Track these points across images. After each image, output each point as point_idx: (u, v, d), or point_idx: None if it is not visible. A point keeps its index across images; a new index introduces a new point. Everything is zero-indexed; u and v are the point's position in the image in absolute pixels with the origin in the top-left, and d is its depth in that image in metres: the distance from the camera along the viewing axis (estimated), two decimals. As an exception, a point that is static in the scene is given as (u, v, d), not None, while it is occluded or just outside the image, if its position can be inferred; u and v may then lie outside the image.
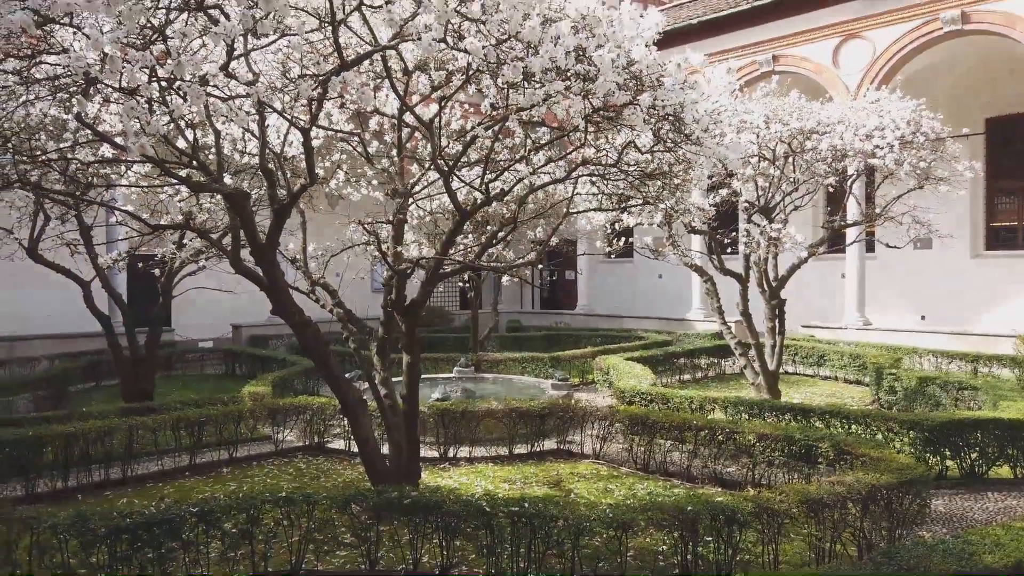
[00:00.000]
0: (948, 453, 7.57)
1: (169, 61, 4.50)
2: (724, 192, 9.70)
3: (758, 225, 9.42)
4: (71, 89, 4.97)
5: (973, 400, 9.76)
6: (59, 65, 4.70)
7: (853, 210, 11.69)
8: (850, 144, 8.99)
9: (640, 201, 7.37)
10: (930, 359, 13.46)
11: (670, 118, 5.06)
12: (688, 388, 12.52)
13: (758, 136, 9.00)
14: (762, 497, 5.07)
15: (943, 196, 10.31)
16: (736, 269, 10.84)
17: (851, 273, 16.28)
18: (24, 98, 5.15)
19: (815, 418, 8.26)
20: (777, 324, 10.78)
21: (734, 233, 11.30)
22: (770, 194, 9.95)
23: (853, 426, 7.98)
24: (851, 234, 13.35)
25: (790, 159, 9.53)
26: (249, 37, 4.60)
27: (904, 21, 15.26)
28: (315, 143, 6.45)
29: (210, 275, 12.12)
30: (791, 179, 9.74)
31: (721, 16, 17.97)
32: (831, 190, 10.74)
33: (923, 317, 17.57)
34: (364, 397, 6.84)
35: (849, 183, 10.74)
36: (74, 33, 4.40)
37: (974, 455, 7.59)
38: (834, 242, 12.43)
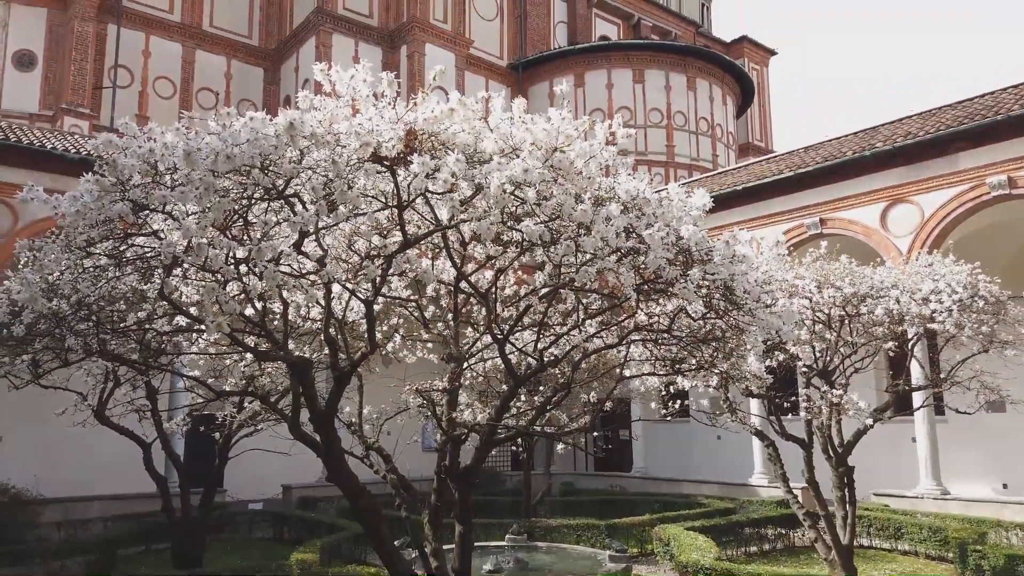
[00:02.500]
0: (1051, 645, 6.84)
1: (246, 238, 4.88)
2: (781, 356, 9.59)
3: (818, 389, 9.20)
4: (155, 266, 5.37)
5: (1072, 582, 8.92)
6: (147, 246, 5.12)
7: (917, 373, 11.36)
8: (906, 308, 8.91)
9: (694, 365, 7.34)
10: (1017, 533, 12.45)
11: (720, 289, 5.16)
12: (755, 563, 11.76)
13: (811, 300, 9.00)
14: None
15: (1012, 359, 9.98)
16: (799, 434, 10.48)
17: (922, 438, 15.51)
18: (113, 275, 5.57)
19: (896, 601, 7.62)
20: (847, 493, 10.22)
21: (794, 397, 11.03)
22: (828, 357, 9.79)
23: (940, 611, 7.33)
24: (917, 398, 12.88)
25: (846, 322, 9.45)
26: (320, 216, 4.97)
27: (950, 186, 15.48)
28: (375, 308, 6.72)
29: (264, 435, 12.25)
30: (849, 342, 9.61)
31: (765, 183, 18.52)
32: (892, 354, 10.51)
33: (1005, 486, 16.43)
34: (414, 568, 6.63)
35: (910, 346, 10.51)
36: (165, 219, 4.82)
37: (1082, 649, 6.84)
38: (901, 405, 11.99)
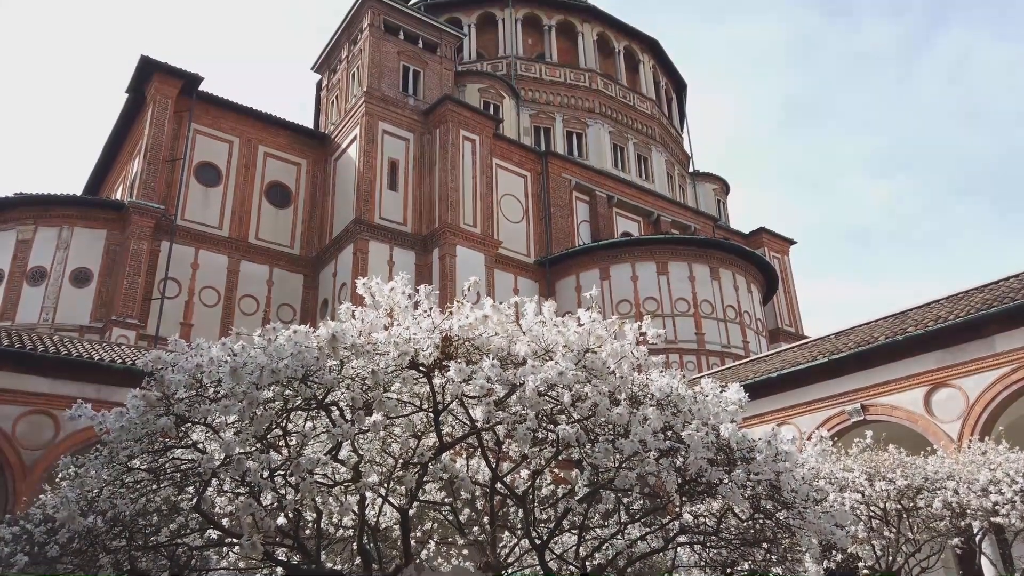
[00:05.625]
0: None
1: (281, 443, 4.89)
2: (839, 556, 8.99)
3: (885, 593, 8.52)
4: (192, 480, 5.35)
5: None
6: (184, 459, 5.15)
7: (990, 572, 10.49)
8: (966, 500, 8.44)
9: (746, 569, 6.89)
10: None
11: (766, 488, 4.98)
12: None
13: (863, 495, 8.59)
14: None
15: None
16: (870, 644, 9.56)
17: (1008, 645, 13.99)
18: (149, 487, 5.55)
19: None
20: None
21: (859, 602, 10.18)
22: (890, 557, 9.15)
23: None
24: (995, 600, 11.80)
25: (904, 517, 8.93)
26: (357, 425, 5.00)
27: (991, 369, 15.13)
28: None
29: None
30: (910, 539, 9.02)
31: (800, 369, 18.32)
32: (959, 551, 9.80)
33: None
34: None
35: (977, 542, 9.82)
36: (205, 430, 4.89)
37: None
38: (977, 609, 10.96)
